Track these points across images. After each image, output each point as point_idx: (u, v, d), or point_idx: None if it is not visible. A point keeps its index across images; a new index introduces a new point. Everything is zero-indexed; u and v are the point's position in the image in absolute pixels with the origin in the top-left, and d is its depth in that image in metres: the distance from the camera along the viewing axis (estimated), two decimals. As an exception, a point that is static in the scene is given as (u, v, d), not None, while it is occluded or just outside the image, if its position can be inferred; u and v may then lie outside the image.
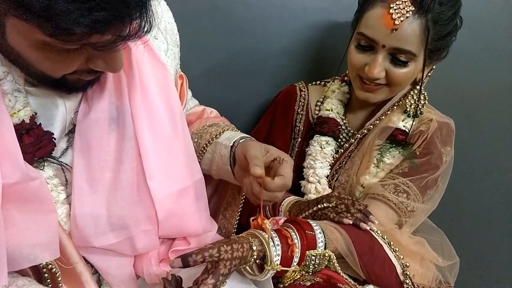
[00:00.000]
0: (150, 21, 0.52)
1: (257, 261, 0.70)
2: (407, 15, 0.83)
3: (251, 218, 0.72)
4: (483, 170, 1.34)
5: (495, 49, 1.22)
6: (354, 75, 0.95)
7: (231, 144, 0.80)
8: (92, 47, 0.53)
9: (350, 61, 0.94)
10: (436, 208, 0.96)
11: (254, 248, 0.67)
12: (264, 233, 0.69)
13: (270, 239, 0.69)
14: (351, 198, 0.88)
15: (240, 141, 0.80)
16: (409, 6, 0.83)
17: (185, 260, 0.60)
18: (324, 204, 0.88)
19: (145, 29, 0.52)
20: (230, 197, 0.92)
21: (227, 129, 0.88)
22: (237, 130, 0.92)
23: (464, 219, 1.39)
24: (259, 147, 0.72)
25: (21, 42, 0.52)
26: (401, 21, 0.83)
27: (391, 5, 0.83)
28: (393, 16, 0.83)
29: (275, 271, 0.70)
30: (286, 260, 0.70)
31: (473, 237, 1.40)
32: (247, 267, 0.70)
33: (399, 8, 0.83)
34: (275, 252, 0.69)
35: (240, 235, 0.70)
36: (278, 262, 0.69)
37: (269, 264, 0.68)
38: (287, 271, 0.72)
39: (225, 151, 0.81)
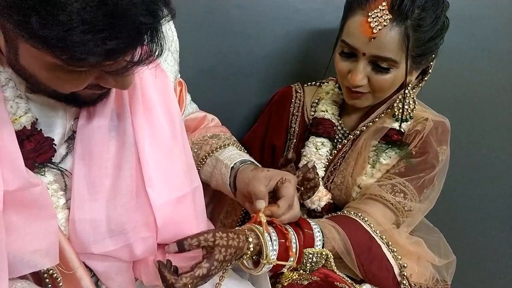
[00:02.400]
0: (161, 44, 0.53)
1: (254, 257, 0.71)
2: (385, 23, 0.82)
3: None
4: (480, 169, 1.35)
5: (489, 49, 1.23)
6: (341, 82, 0.96)
7: (232, 165, 0.81)
8: (104, 71, 0.54)
9: (336, 67, 0.95)
10: (433, 207, 0.96)
11: (250, 240, 0.68)
12: (260, 227, 0.69)
13: (267, 234, 0.69)
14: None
15: (241, 165, 0.81)
16: (387, 14, 0.82)
17: (181, 244, 0.61)
18: None
19: (156, 53, 0.53)
20: (230, 206, 0.93)
21: (228, 144, 0.89)
22: (238, 145, 0.93)
23: (460, 218, 1.39)
24: (261, 180, 0.74)
25: (33, 64, 0.53)
26: (379, 29, 0.83)
27: (369, 13, 0.83)
28: (371, 24, 0.83)
29: (271, 265, 0.70)
30: (282, 255, 0.71)
31: (470, 235, 1.41)
32: (244, 261, 0.70)
33: (377, 16, 0.83)
34: (272, 247, 0.69)
35: (237, 228, 0.71)
36: (275, 257, 0.69)
37: (264, 258, 0.68)
38: (284, 269, 0.73)
39: (225, 171, 0.82)
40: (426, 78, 0.96)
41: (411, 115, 0.95)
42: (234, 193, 0.82)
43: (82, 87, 0.56)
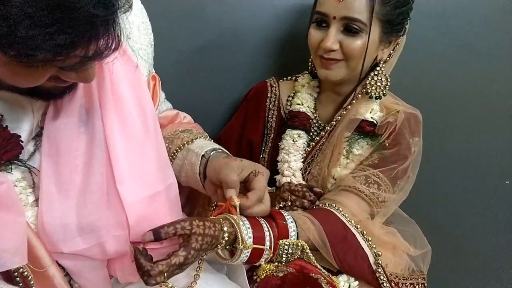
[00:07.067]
0: (118, 37, 0.51)
1: (227, 247, 0.71)
2: None
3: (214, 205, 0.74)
4: (453, 160, 1.36)
5: (462, 42, 1.25)
6: (314, 56, 0.99)
7: (202, 153, 0.80)
8: (58, 68, 0.52)
9: (310, 40, 0.98)
10: (408, 198, 0.98)
11: (225, 229, 0.68)
12: (234, 215, 0.70)
13: (240, 220, 0.69)
14: (301, 185, 0.94)
15: (211, 153, 0.80)
16: None
17: (157, 233, 0.61)
18: (281, 204, 0.93)
19: (113, 47, 0.51)
20: (201, 207, 0.92)
21: (200, 137, 0.88)
22: (210, 138, 0.92)
23: (435, 209, 1.41)
24: (233, 168, 0.73)
25: None
26: None
27: None
28: None
29: (248, 252, 0.70)
30: (257, 242, 0.71)
31: (446, 226, 1.42)
32: (219, 251, 0.70)
33: None
34: (246, 232, 0.69)
35: (212, 217, 0.71)
36: (251, 241, 0.70)
37: (241, 243, 0.68)
38: (262, 260, 0.73)
39: (195, 159, 0.80)
40: (392, 53, 0.99)
41: (384, 92, 0.98)
42: (204, 184, 0.80)
43: (40, 82, 0.54)
